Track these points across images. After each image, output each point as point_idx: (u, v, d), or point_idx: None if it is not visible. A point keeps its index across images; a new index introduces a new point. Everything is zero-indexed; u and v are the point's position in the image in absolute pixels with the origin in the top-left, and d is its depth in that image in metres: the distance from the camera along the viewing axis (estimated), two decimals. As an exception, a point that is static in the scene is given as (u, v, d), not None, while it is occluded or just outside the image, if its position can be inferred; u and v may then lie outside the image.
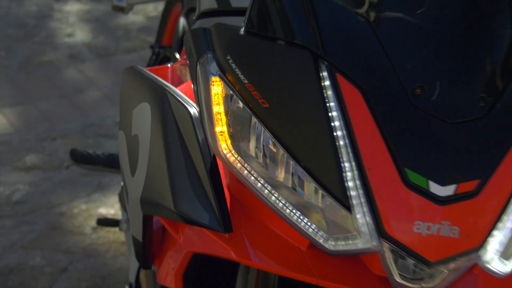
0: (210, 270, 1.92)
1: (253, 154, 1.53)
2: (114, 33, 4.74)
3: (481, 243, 1.46)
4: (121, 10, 2.89)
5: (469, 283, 1.60)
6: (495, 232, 1.48)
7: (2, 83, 4.32)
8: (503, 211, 1.48)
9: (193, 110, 1.67)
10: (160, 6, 3.88)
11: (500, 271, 1.50)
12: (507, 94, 1.50)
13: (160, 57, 3.00)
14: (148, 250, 1.86)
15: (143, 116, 1.77)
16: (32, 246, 3.30)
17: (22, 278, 3.15)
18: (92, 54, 4.56)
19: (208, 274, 1.92)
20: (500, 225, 1.48)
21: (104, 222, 2.88)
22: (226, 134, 1.54)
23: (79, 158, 2.83)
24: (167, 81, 2.00)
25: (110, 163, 2.88)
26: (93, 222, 3.13)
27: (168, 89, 1.75)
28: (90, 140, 3.89)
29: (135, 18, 4.85)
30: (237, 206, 1.64)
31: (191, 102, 1.69)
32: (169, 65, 2.11)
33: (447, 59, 1.48)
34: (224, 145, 1.53)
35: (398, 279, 1.48)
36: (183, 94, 1.74)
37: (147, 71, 1.90)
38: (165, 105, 1.72)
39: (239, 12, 1.90)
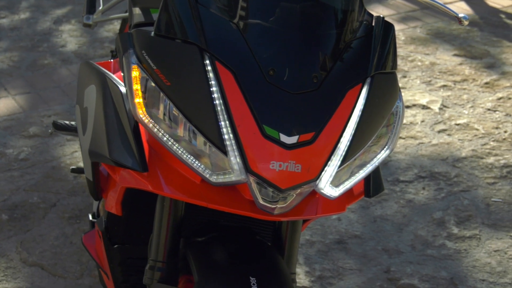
0: (140, 200, 1.91)
1: (161, 118, 1.51)
2: (93, 44, 4.68)
3: (317, 175, 1.47)
4: (89, 26, 2.84)
5: (313, 203, 1.62)
6: (326, 168, 1.48)
7: (14, 78, 4.24)
8: (332, 153, 1.49)
9: (123, 88, 1.66)
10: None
11: (331, 195, 1.51)
12: (331, 74, 1.51)
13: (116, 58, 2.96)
14: (97, 186, 1.85)
15: (91, 93, 1.76)
16: (32, 189, 3.25)
17: (24, 211, 3.10)
18: (78, 58, 4.50)
19: (139, 202, 1.91)
20: (330, 163, 1.49)
21: (60, 127, 2.81)
22: (142, 104, 1.52)
23: (59, 127, 2.79)
24: (110, 71, 1.99)
25: None
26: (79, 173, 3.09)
27: (108, 75, 1.74)
28: (73, 116, 3.85)
29: (107, 34, 4.79)
30: (154, 154, 1.62)
31: (122, 83, 1.68)
32: (111, 60, 2.09)
33: (291, 50, 1.48)
34: (141, 112, 1.52)
35: (261, 201, 1.48)
36: (117, 78, 1.73)
37: (97, 64, 1.88)
38: (105, 86, 1.70)
39: None
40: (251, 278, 1.55)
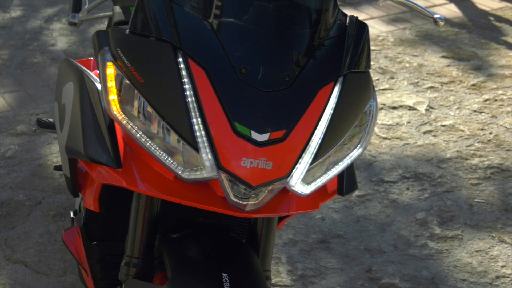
0: (118, 196, 1.92)
1: (136, 114, 1.51)
2: (82, 43, 4.68)
3: (288, 173, 1.48)
4: (75, 25, 2.84)
5: (286, 200, 1.63)
6: (298, 165, 1.49)
7: (3, 76, 4.24)
8: (303, 151, 1.50)
9: (100, 85, 1.67)
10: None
11: (302, 192, 1.52)
12: (304, 72, 1.52)
13: None
14: (75, 183, 1.86)
15: (69, 90, 1.77)
16: (18, 187, 3.25)
17: (9, 209, 3.11)
18: (67, 57, 4.51)
19: (117, 199, 1.92)
20: (301, 160, 1.50)
21: (44, 124, 2.82)
22: (116, 101, 1.53)
23: (43, 124, 2.80)
24: (90, 69, 1.99)
25: None
26: (61, 171, 3.09)
27: (86, 73, 1.75)
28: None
29: (97, 31, 4.82)
30: (129, 151, 1.63)
31: (99, 80, 1.69)
32: (91, 58, 2.10)
33: (263, 49, 1.49)
34: (115, 108, 1.52)
35: (233, 198, 1.48)
36: (95, 75, 1.74)
37: (75, 61, 1.89)
38: (82, 83, 1.71)
39: None
40: (223, 274, 1.57)
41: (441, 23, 1.81)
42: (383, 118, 3.87)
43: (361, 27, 1.63)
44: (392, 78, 4.31)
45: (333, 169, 1.58)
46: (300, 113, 1.49)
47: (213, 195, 1.54)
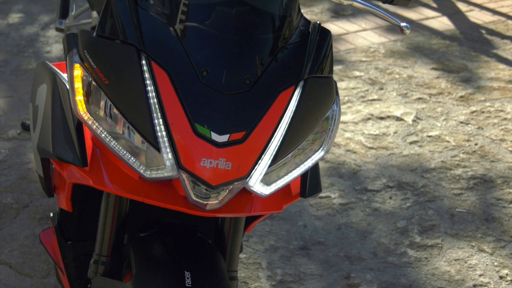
0: (91, 196, 1.96)
1: (102, 115, 1.55)
2: (77, 48, 4.74)
3: (248, 173, 1.51)
4: (61, 31, 2.89)
5: (248, 201, 1.66)
6: (257, 166, 1.53)
7: (-2, 82, 4.32)
8: (262, 152, 1.54)
9: None
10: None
11: (262, 193, 1.56)
12: (264, 76, 1.56)
13: None
14: (48, 183, 1.89)
15: (42, 92, 1.81)
16: (6, 190, 3.30)
17: (-4, 211, 3.17)
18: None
19: (90, 198, 1.96)
20: (260, 161, 1.53)
21: (27, 127, 2.85)
22: (82, 101, 1.56)
23: (26, 127, 2.85)
24: (65, 71, 2.03)
25: None
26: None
27: (58, 75, 1.79)
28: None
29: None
30: (97, 151, 1.67)
31: None
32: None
33: (225, 53, 1.53)
34: (81, 109, 1.56)
35: (194, 197, 1.52)
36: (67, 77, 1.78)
37: (51, 64, 1.94)
38: (55, 85, 1.76)
39: None
40: (186, 272, 1.60)
41: (407, 31, 1.85)
42: (370, 128, 3.91)
43: (324, 34, 1.66)
44: (382, 89, 4.35)
45: (293, 171, 1.61)
46: (260, 116, 1.52)
47: (176, 195, 1.58)
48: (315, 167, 1.79)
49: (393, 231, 3.13)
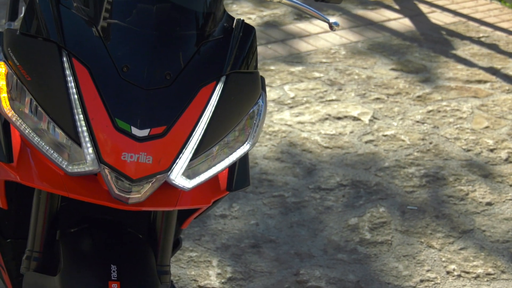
0: (28, 194, 1.98)
1: (27, 112, 1.58)
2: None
3: (169, 167, 1.55)
4: None
5: (174, 195, 1.69)
6: (178, 160, 1.57)
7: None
8: (183, 146, 1.57)
9: None
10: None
11: (184, 186, 1.59)
12: (185, 71, 1.59)
13: None
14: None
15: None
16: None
17: None
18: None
19: (26, 195, 1.98)
20: (182, 155, 1.57)
21: None
22: (6, 98, 1.59)
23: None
24: None
25: None
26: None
27: None
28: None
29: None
30: (25, 147, 1.70)
31: None
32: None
33: (145, 49, 1.56)
34: (5, 106, 1.59)
35: (116, 191, 1.56)
36: None
37: None
38: None
39: None
40: (112, 265, 1.63)
41: (336, 28, 1.90)
42: (327, 128, 3.96)
43: (248, 30, 1.70)
44: (340, 89, 4.40)
45: (217, 165, 1.65)
46: (181, 110, 1.56)
47: (100, 190, 1.61)
48: (243, 161, 1.82)
49: (344, 228, 3.18)
